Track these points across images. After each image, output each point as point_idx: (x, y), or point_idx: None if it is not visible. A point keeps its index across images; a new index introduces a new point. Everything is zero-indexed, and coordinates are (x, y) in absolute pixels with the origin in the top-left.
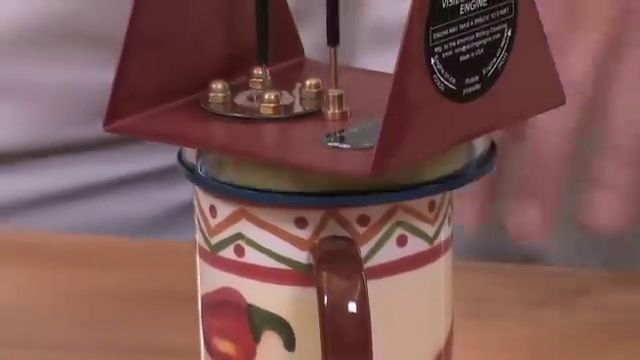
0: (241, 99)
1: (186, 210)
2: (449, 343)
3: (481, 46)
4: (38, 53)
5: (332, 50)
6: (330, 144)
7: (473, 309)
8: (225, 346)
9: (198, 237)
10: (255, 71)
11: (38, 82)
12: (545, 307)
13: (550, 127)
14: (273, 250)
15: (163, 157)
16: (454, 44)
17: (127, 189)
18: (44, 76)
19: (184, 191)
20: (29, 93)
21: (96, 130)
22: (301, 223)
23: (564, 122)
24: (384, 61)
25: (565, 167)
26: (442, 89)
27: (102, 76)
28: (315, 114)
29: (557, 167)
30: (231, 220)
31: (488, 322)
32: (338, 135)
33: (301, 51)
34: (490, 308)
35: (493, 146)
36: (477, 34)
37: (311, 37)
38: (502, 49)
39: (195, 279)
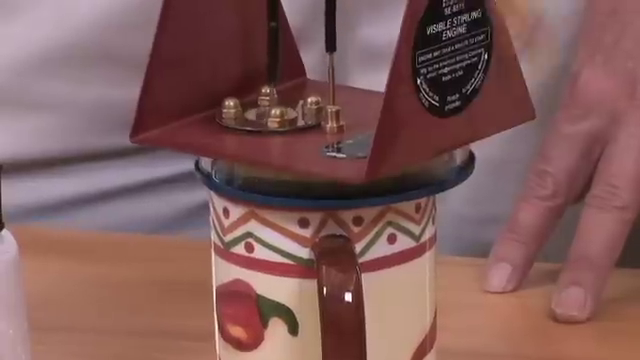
0: (251, 114)
1: (202, 211)
2: (433, 328)
3: (461, 68)
4: (73, 72)
5: (330, 56)
6: (328, 154)
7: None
8: (237, 331)
9: (213, 235)
10: (263, 90)
11: (74, 97)
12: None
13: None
14: (279, 247)
15: (182, 164)
16: (437, 66)
17: (150, 192)
18: (79, 92)
19: (200, 194)
20: (66, 107)
21: (124, 140)
22: (303, 223)
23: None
24: (373, 80)
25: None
26: (427, 106)
27: (129, 93)
28: (315, 128)
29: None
30: (242, 220)
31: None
32: (335, 146)
33: (303, 72)
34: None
35: (471, 156)
36: (458, 57)
37: (311, 60)
38: (479, 71)
39: (210, 272)
